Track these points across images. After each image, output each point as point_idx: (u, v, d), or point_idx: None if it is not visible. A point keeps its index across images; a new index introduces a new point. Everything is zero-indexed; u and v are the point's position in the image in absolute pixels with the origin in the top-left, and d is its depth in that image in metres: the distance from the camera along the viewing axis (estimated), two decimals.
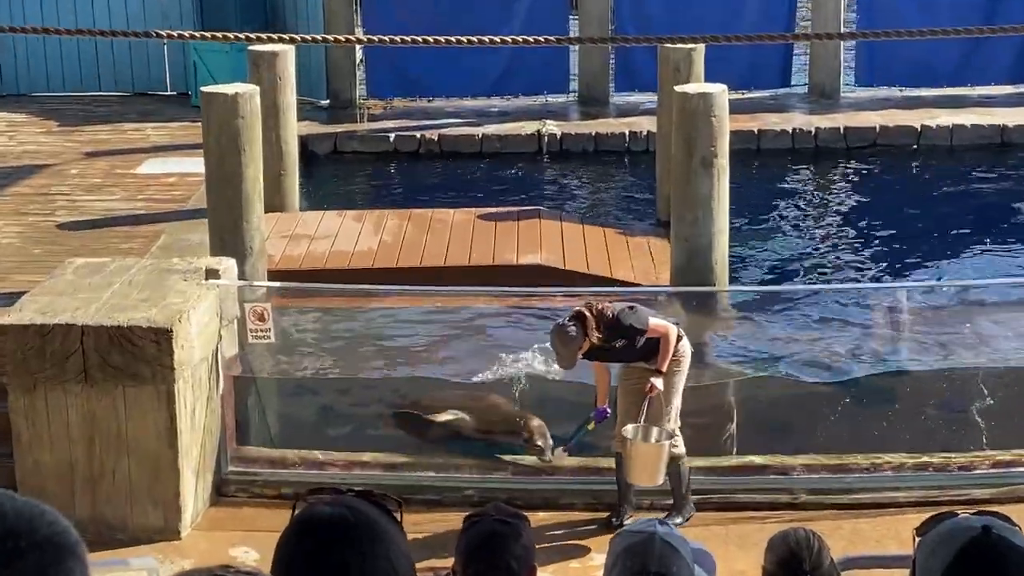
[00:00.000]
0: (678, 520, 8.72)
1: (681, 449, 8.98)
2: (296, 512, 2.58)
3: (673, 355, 8.79)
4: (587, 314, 8.58)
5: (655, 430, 8.76)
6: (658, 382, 8.69)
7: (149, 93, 20.84)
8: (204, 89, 13.23)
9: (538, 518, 8.66)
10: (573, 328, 8.54)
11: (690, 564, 3.68)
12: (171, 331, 8.62)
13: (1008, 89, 20.35)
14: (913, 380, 11.32)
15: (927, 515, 2.89)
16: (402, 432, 10.60)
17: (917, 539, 2.85)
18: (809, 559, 4.23)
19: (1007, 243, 15.83)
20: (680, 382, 8.95)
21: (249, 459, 9.96)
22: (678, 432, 8.97)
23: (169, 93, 20.77)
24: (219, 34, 9.42)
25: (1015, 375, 11.18)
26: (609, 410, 9.12)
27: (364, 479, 9.41)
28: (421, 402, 10.68)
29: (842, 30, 19.63)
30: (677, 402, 8.94)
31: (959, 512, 2.87)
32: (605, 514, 9.14)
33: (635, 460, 8.74)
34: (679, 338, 8.85)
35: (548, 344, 9.16)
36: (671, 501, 9.13)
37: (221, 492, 9.52)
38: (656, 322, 8.80)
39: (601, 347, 8.65)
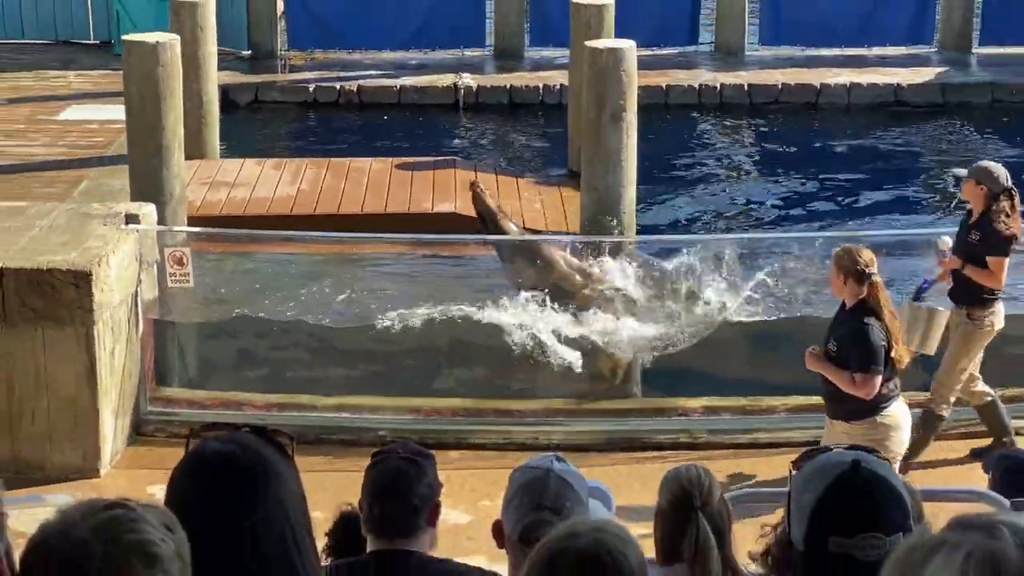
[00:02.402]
0: None
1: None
2: (189, 448, 2.65)
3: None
4: None
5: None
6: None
7: (72, 41, 20.82)
8: (126, 38, 13.33)
9: (449, 457, 8.95)
10: None
11: (584, 500, 3.77)
12: (91, 274, 8.70)
13: (903, 50, 20.88)
14: (806, 325, 11.70)
15: None
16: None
17: (792, 472, 2.90)
18: (700, 495, 4.24)
19: (898, 195, 16.30)
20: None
21: (167, 400, 10.13)
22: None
23: (92, 41, 20.76)
24: None
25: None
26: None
27: (281, 420, 9.60)
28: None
29: None
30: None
31: (833, 447, 2.95)
32: (514, 452, 9.39)
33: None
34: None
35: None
36: None
37: (140, 432, 9.63)
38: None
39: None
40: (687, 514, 4.23)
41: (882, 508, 2.76)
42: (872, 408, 7.61)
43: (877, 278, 7.58)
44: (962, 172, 9.38)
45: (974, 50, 21.08)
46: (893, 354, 7.55)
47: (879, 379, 7.50)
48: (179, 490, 2.61)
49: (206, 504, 2.52)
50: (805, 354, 7.82)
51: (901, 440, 7.73)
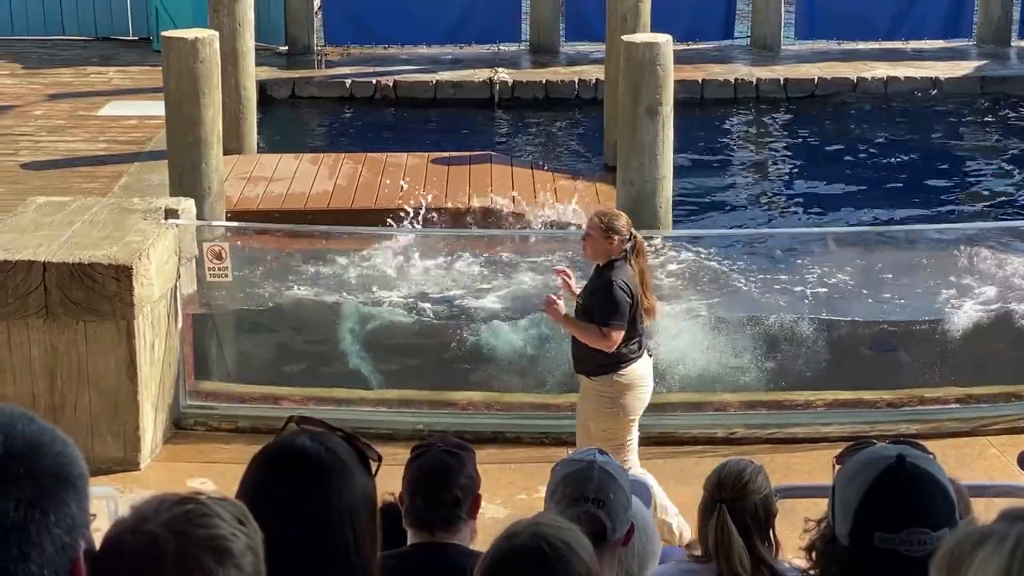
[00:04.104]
0: None
1: None
2: (277, 437, 2.75)
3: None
4: None
5: None
6: None
7: (111, 37, 20.96)
8: (165, 34, 13.44)
9: (486, 452, 8.98)
10: None
11: (628, 492, 3.80)
12: (131, 268, 8.76)
13: (940, 43, 20.80)
14: (848, 323, 11.71)
15: None
16: None
17: (836, 467, 2.91)
18: (730, 488, 4.27)
19: (937, 190, 16.26)
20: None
21: (206, 393, 10.19)
22: None
23: (131, 38, 20.89)
24: None
25: (942, 320, 11.59)
26: None
27: (317, 414, 9.63)
28: None
29: None
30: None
31: (876, 442, 2.95)
32: (551, 448, 9.44)
33: None
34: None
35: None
36: None
37: (179, 425, 9.69)
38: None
39: None
40: (712, 507, 4.27)
41: (927, 503, 2.75)
42: (612, 365, 7.75)
43: (640, 241, 7.81)
44: None
45: (1013, 43, 20.98)
46: (638, 314, 7.73)
47: (620, 333, 7.65)
48: (252, 475, 2.69)
49: (276, 493, 2.60)
50: (544, 305, 7.93)
51: (639, 397, 7.88)
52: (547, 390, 10.35)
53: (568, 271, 8.36)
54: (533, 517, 3.06)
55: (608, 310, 7.66)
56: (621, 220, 7.81)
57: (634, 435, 8.03)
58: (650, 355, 8.08)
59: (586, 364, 7.92)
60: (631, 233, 7.78)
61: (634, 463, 7.86)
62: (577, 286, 8.19)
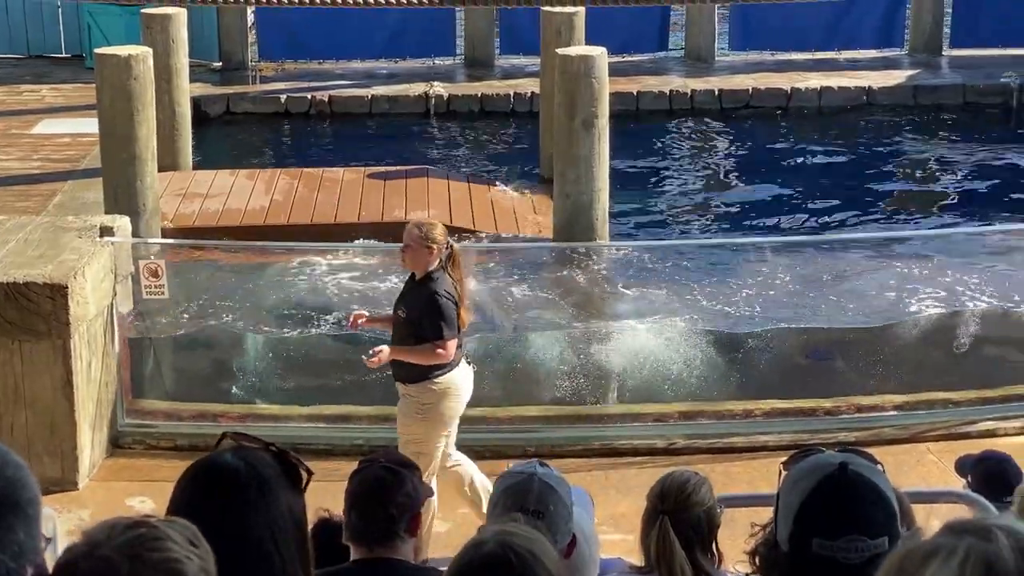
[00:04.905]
0: None
1: None
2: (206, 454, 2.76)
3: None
4: None
5: None
6: None
7: (44, 56, 20.80)
8: (98, 51, 13.36)
9: None
10: None
11: (567, 504, 3.81)
12: (66, 287, 8.67)
13: (873, 53, 21.01)
14: (787, 332, 11.77)
15: None
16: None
17: (782, 472, 2.89)
18: (673, 499, 4.29)
19: (871, 199, 16.40)
20: None
21: (144, 412, 10.09)
22: None
23: (64, 56, 20.75)
24: None
25: (880, 328, 11.69)
26: None
27: (256, 431, 9.59)
28: None
29: None
30: None
31: (824, 449, 2.94)
32: (491, 460, 9.42)
33: None
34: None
35: None
36: None
37: (117, 444, 9.59)
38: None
39: None
40: (655, 518, 4.27)
41: (867, 511, 2.75)
42: (428, 372, 7.80)
43: (456, 251, 7.90)
44: None
45: (944, 52, 21.21)
46: (459, 322, 7.82)
47: (455, 342, 7.75)
48: (178, 491, 2.71)
49: (200, 510, 2.58)
50: (369, 360, 7.88)
51: (451, 406, 7.90)
52: (486, 403, 10.32)
53: (363, 313, 8.31)
54: (500, 525, 3.06)
55: (439, 323, 7.71)
56: (438, 230, 7.85)
57: (441, 446, 7.99)
58: (469, 363, 8.11)
59: (403, 371, 7.93)
60: (448, 243, 7.85)
61: (433, 474, 7.82)
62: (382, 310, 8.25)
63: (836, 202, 16.19)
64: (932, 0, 20.92)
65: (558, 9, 15.11)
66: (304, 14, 20.18)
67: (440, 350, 7.73)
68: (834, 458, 2.81)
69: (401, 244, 7.92)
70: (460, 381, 7.97)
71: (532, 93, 18.21)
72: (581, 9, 15.20)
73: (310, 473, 2.76)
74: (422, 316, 7.77)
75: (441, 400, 7.89)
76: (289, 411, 10.26)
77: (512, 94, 19.14)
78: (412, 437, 7.86)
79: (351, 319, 8.30)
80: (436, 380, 7.84)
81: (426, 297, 7.75)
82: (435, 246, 7.74)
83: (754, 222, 15.62)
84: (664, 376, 10.91)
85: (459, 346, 7.90)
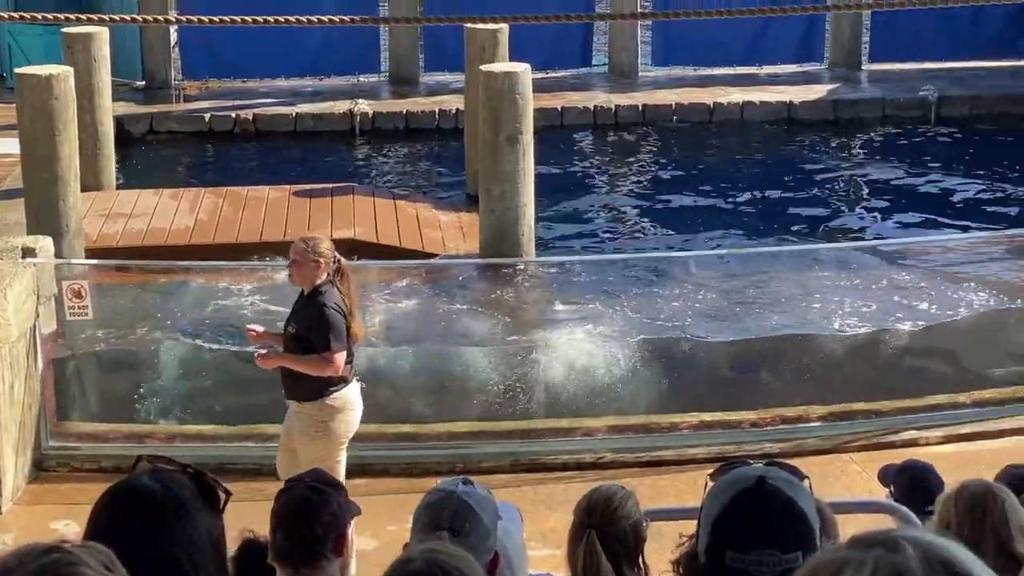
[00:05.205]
0: None
1: None
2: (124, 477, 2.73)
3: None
4: None
5: None
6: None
7: None
8: (18, 71, 13.25)
9: (354, 484, 8.94)
10: None
11: (488, 523, 3.80)
12: None
13: (794, 68, 21.23)
14: (712, 345, 11.85)
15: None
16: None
17: (708, 485, 2.89)
18: (599, 513, 4.32)
19: (793, 211, 16.55)
20: None
21: (69, 434, 10.01)
22: None
23: None
24: (33, 15, 9.48)
25: (804, 339, 11.79)
26: None
27: (184, 452, 9.55)
28: None
29: (639, 11, 20.33)
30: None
31: (751, 462, 2.93)
32: (419, 478, 9.41)
33: None
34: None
35: None
36: None
37: (42, 467, 9.52)
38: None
39: None
40: (581, 533, 4.29)
41: (780, 525, 2.74)
42: (323, 389, 7.89)
43: (344, 265, 7.96)
44: None
45: (864, 67, 21.46)
46: (349, 337, 7.91)
47: (343, 355, 7.83)
48: (95, 515, 2.67)
49: (116, 534, 2.54)
50: (257, 360, 8.01)
51: (348, 421, 8.01)
52: (416, 420, 10.33)
53: (256, 328, 8.34)
54: (428, 544, 3.07)
55: (328, 335, 7.76)
56: (324, 244, 7.93)
57: (343, 459, 8.07)
58: (357, 380, 8.19)
59: (297, 389, 7.97)
60: (336, 257, 7.91)
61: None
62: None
63: (759, 215, 16.33)
64: (850, 15, 21.16)
65: (481, 26, 15.13)
66: (228, 32, 20.11)
67: (329, 362, 7.79)
68: (753, 471, 2.81)
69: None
70: (354, 397, 8.07)
71: (457, 110, 18.23)
72: (505, 26, 15.23)
73: (228, 494, 2.74)
74: (311, 330, 7.83)
75: (338, 415, 7.96)
76: (216, 430, 10.21)
77: (437, 111, 19.16)
78: (315, 455, 7.88)
79: (247, 333, 8.34)
80: (333, 396, 7.92)
81: (315, 311, 7.82)
82: (322, 260, 7.81)
83: (679, 236, 15.71)
84: (592, 390, 10.95)
85: (349, 360, 7.97)
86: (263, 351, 7.97)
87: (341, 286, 7.91)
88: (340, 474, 7.90)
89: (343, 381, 7.93)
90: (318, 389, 7.89)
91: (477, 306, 12.55)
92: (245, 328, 8.46)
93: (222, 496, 2.73)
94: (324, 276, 7.85)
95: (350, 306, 7.93)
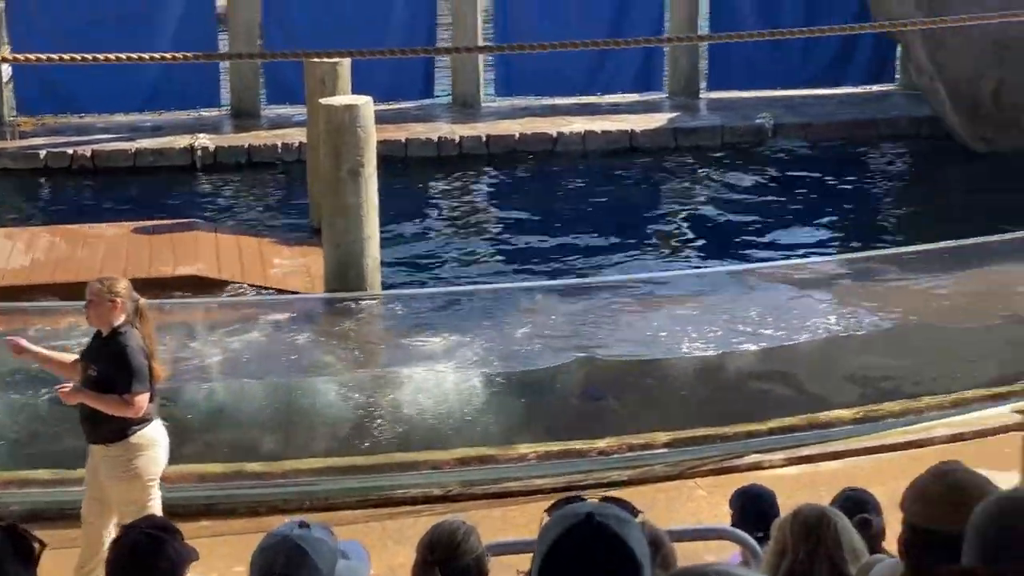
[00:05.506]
0: None
1: None
2: None
3: None
4: None
5: None
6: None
7: None
8: None
9: (199, 525, 8.83)
10: None
11: (323, 567, 3.74)
12: None
13: (634, 97, 21.49)
14: (559, 374, 11.90)
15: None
16: None
17: (543, 520, 2.89)
18: (442, 549, 4.36)
19: (636, 239, 16.73)
20: None
21: None
22: None
23: None
24: None
25: (650, 365, 11.91)
26: None
27: (21, 497, 9.34)
28: None
29: (480, 42, 20.42)
30: None
31: (585, 497, 2.97)
32: (267, 517, 9.28)
33: None
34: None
35: None
36: None
37: None
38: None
39: None
40: (425, 569, 4.29)
41: (605, 563, 2.74)
42: (127, 429, 7.86)
43: (143, 305, 7.92)
44: None
45: (702, 95, 21.79)
46: (151, 377, 7.90)
47: (146, 397, 7.80)
48: None
49: None
50: (59, 393, 7.96)
51: (156, 459, 7.98)
52: (262, 458, 10.21)
53: (20, 342, 8.16)
54: None
55: (130, 377, 7.70)
56: (121, 284, 7.87)
57: (156, 498, 7.98)
58: (159, 419, 8.09)
59: (100, 432, 7.87)
60: (134, 297, 7.85)
61: None
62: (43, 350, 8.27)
63: (603, 243, 16.46)
64: (687, 45, 21.49)
65: (318, 61, 15.05)
66: (64, 68, 19.75)
67: (130, 404, 7.70)
68: (583, 508, 2.81)
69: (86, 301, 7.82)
70: (158, 434, 7.98)
71: (300, 143, 18.11)
72: (346, 61, 15.18)
73: (43, 545, 2.68)
74: (113, 372, 7.72)
75: (145, 453, 7.87)
76: (55, 475, 9.97)
77: (280, 144, 19.03)
78: (127, 497, 7.81)
79: (11, 343, 8.14)
80: (138, 434, 7.83)
81: (115, 353, 7.73)
82: (119, 300, 7.74)
83: (525, 266, 15.78)
84: (441, 423, 10.94)
85: (152, 399, 7.87)
86: (66, 387, 7.79)
87: (140, 327, 7.83)
88: (157, 513, 7.78)
89: (145, 420, 7.83)
90: (122, 430, 7.78)
91: (323, 340, 12.46)
92: (7, 339, 8.24)
93: (36, 547, 2.67)
94: (123, 317, 7.76)
95: (151, 347, 7.86)
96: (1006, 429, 10.03)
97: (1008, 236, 11.31)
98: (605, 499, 2.95)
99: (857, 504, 5.41)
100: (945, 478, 3.70)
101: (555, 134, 19.66)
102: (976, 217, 16.02)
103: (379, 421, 10.89)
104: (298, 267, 14.36)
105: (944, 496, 3.60)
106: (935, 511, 3.58)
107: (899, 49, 21.47)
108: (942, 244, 12.95)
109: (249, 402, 10.86)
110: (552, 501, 3.06)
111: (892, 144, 20.35)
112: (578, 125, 19.92)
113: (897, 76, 22.22)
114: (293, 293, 13.48)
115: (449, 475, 10.04)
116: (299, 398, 11.26)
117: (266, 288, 13.60)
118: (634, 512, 2.93)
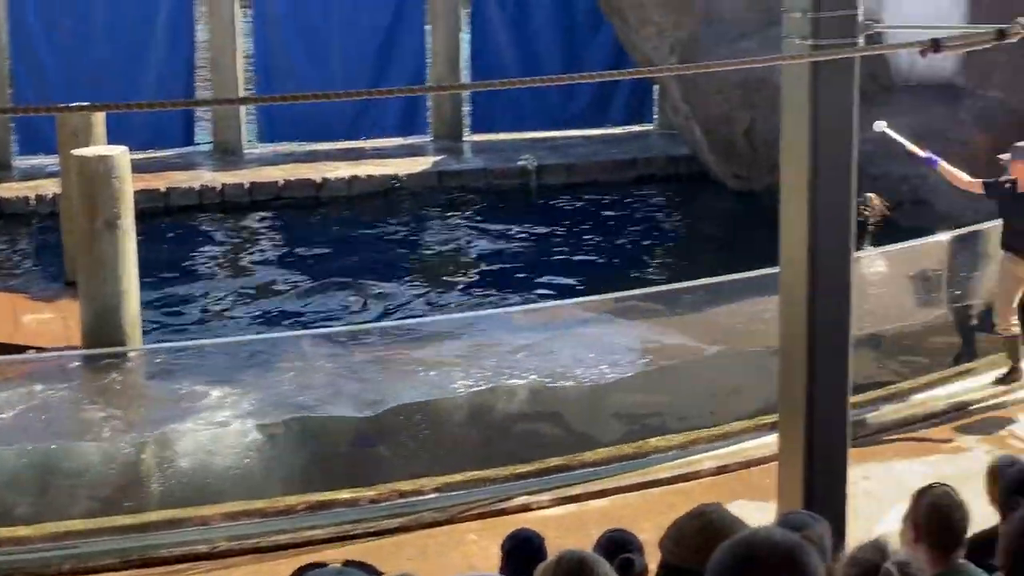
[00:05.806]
0: None
1: None
2: None
3: None
4: None
5: None
6: None
7: None
8: None
9: None
10: None
11: None
12: None
13: (398, 141, 21.56)
14: (333, 422, 11.77)
15: (342, 549, 3.06)
16: None
17: None
18: None
19: (403, 283, 16.72)
20: None
21: None
22: None
23: None
24: None
25: (419, 409, 11.87)
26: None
27: None
28: None
29: (241, 89, 20.28)
30: None
31: (328, 563, 3.02)
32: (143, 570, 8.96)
33: None
34: None
35: None
36: None
37: None
38: None
39: None
40: None
41: None
42: None
43: None
44: (1006, 156, 11.36)
45: (465, 138, 21.95)
46: None
47: None
48: None
49: None
50: None
51: None
52: (18, 520, 9.86)
53: None
54: None
55: None
56: None
57: None
58: None
59: None
60: None
61: None
62: None
63: (372, 286, 16.40)
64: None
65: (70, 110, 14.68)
66: None
67: None
68: (327, 572, 2.84)
69: None
70: None
71: (55, 195, 17.64)
72: (100, 115, 14.84)
73: None
74: None
75: None
76: None
77: (33, 196, 18.52)
78: None
79: None
80: None
81: None
82: None
83: (292, 314, 15.62)
84: (209, 477, 10.75)
85: None
86: None
87: None
88: None
89: None
90: None
91: (81, 398, 12.11)
92: None
93: None
94: None
95: None
96: (768, 460, 10.23)
97: (761, 272, 11.56)
98: (347, 563, 3.06)
99: (619, 545, 5.43)
100: (700, 518, 3.81)
101: (320, 180, 19.57)
102: (731, 253, 16.40)
103: (144, 478, 10.65)
104: (54, 322, 13.96)
105: (697, 535, 3.70)
106: (686, 551, 3.67)
107: (656, 90, 21.96)
108: (699, 281, 13.19)
109: (1, 465, 10.50)
110: (323, 551, 3.08)
111: (651, 182, 20.79)
112: (343, 170, 19.88)
113: (655, 116, 22.73)
114: (46, 350, 13.07)
115: (216, 530, 9.83)
116: (58, 459, 10.92)
117: (17, 345, 13.16)
118: (378, 574, 2.91)
